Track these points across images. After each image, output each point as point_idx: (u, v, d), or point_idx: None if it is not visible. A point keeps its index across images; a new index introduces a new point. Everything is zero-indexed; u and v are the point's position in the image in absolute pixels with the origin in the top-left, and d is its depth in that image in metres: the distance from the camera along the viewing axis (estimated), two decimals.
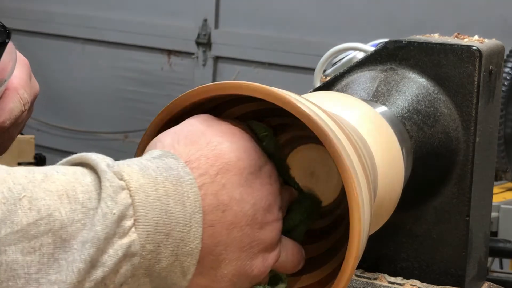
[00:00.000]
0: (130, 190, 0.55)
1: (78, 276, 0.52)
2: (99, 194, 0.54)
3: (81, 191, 0.54)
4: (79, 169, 0.56)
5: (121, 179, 0.55)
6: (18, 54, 0.86)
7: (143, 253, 0.55)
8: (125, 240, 0.54)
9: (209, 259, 0.60)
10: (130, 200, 0.55)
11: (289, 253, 0.67)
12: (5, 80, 0.81)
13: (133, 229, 0.54)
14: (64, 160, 0.59)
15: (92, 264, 0.53)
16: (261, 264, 0.63)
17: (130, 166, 0.57)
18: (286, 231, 0.68)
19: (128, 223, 0.54)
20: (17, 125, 0.88)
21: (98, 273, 0.53)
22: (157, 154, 0.60)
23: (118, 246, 0.53)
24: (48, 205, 0.52)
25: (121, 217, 0.54)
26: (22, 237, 0.51)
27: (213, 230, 0.59)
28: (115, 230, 0.54)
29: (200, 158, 0.60)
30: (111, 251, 0.53)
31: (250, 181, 0.62)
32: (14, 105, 0.84)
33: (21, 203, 0.51)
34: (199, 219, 0.58)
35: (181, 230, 0.57)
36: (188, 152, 0.61)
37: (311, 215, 0.73)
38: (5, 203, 0.51)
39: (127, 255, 0.54)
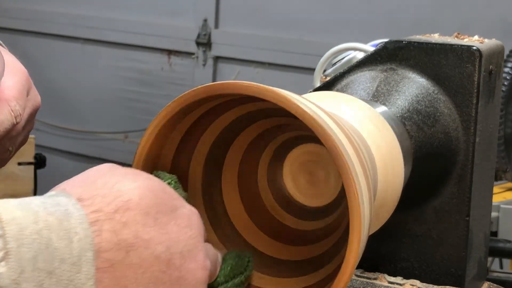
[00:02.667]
0: (1, 221, 0.50)
1: None
2: None
3: None
4: None
5: None
6: (16, 63, 0.83)
7: None
8: None
9: None
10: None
11: None
12: None
13: (2, 263, 0.49)
14: None
15: None
16: None
17: (8, 202, 0.52)
18: None
19: None
20: (11, 138, 0.84)
21: None
22: (49, 194, 0.56)
23: None
24: None
25: None
26: None
27: (114, 272, 0.53)
28: None
29: (95, 197, 0.55)
30: None
31: (162, 222, 0.56)
32: (4, 117, 0.80)
33: None
34: (90, 258, 0.52)
35: (68, 269, 0.51)
36: (81, 192, 0.56)
37: (238, 275, 0.68)
38: None
39: None
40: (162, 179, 0.65)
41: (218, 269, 0.65)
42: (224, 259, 0.67)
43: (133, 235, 0.55)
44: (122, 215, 0.55)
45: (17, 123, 0.82)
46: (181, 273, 0.57)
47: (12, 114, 0.81)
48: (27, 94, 0.87)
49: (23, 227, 0.50)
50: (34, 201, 0.53)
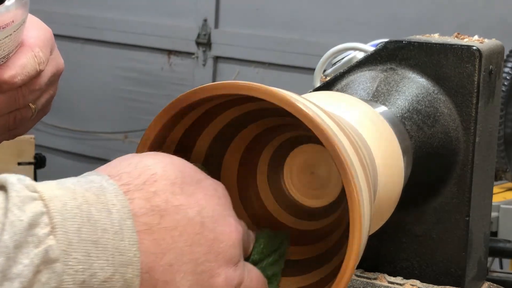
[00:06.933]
0: (43, 200, 0.52)
1: None
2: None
3: None
4: None
5: (34, 191, 0.53)
6: (41, 23, 0.82)
7: (70, 263, 0.52)
8: (41, 247, 0.51)
9: (160, 269, 0.56)
10: (43, 209, 0.52)
11: (253, 279, 0.63)
12: (9, 26, 0.74)
13: (50, 236, 0.51)
14: None
15: (4, 275, 0.49)
16: (224, 283, 0.59)
17: (47, 183, 0.55)
18: None
19: (43, 231, 0.51)
20: (33, 92, 0.82)
21: (15, 285, 0.49)
22: (81, 175, 0.59)
23: (34, 255, 0.50)
24: None
25: (33, 225, 0.51)
26: None
27: (152, 235, 0.56)
28: (27, 239, 0.50)
29: (122, 174, 0.58)
30: (26, 261, 0.50)
31: (189, 191, 0.59)
32: (27, 61, 0.79)
33: None
34: (130, 225, 0.55)
35: (111, 238, 0.54)
36: (109, 172, 0.59)
37: (272, 254, 0.68)
38: None
39: (46, 261, 0.51)
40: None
41: (251, 247, 0.66)
42: (256, 238, 0.67)
43: (164, 201, 0.57)
44: (150, 186, 0.57)
45: (40, 71, 0.81)
46: (215, 234, 0.58)
47: (36, 59, 0.80)
48: (51, 53, 0.86)
49: (65, 203, 0.53)
50: (69, 180, 0.56)
